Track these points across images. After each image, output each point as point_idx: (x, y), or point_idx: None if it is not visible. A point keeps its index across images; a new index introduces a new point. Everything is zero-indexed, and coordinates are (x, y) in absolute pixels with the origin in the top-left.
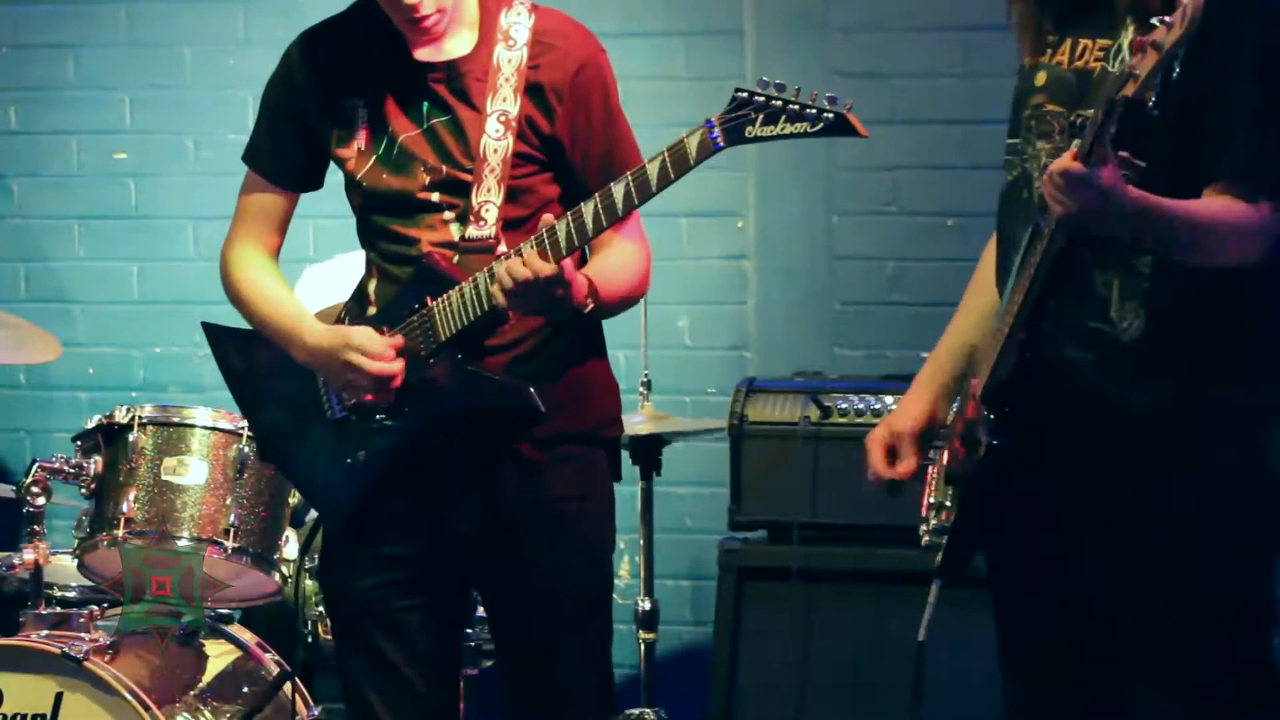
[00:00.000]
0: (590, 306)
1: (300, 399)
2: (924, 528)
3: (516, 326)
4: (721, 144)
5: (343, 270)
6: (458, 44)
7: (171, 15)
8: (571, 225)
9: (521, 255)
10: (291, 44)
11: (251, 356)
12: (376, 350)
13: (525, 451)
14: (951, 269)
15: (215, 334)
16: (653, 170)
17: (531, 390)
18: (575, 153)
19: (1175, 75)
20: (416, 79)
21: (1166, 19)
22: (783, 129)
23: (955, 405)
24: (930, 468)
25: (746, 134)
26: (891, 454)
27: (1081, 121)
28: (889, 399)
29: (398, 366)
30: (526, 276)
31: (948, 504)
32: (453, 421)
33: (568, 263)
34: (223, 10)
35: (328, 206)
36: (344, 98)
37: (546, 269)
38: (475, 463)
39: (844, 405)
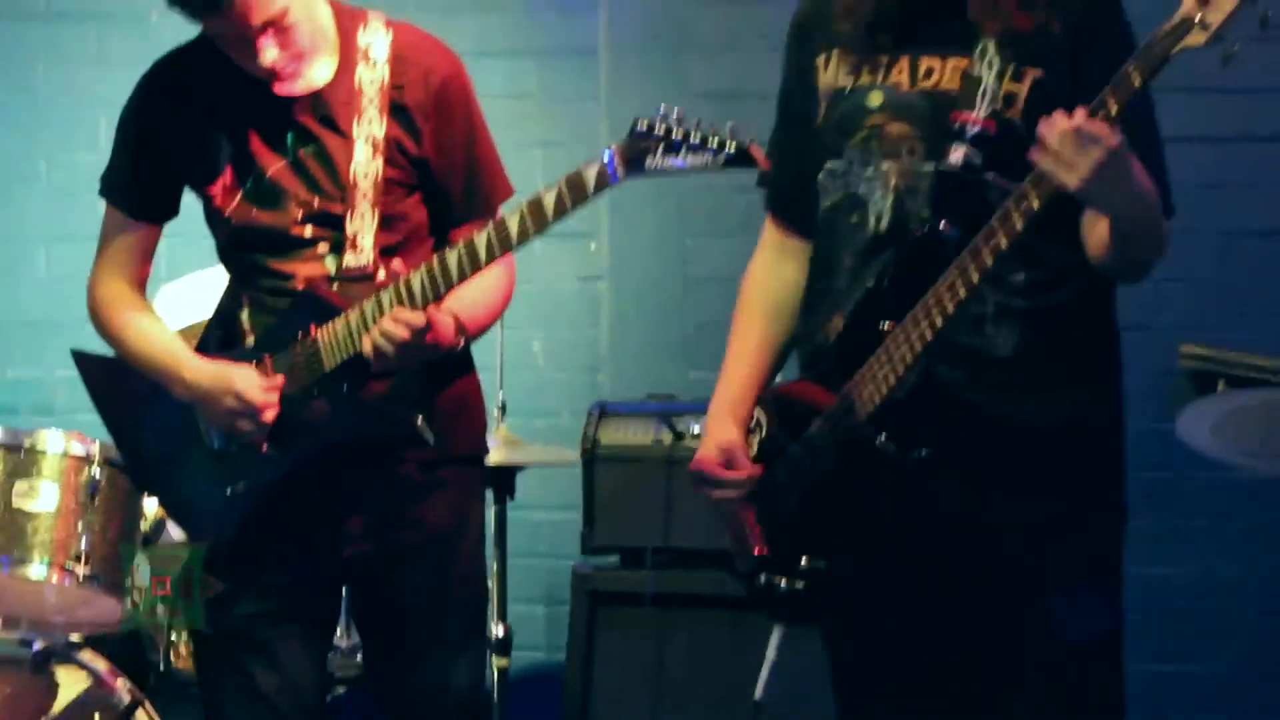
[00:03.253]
0: (460, 344)
1: (177, 428)
2: (760, 580)
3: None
4: (620, 175)
5: (197, 288)
6: (318, 71)
7: (24, 34)
8: (464, 255)
9: (402, 296)
10: (146, 73)
11: (124, 385)
12: (260, 399)
13: (407, 473)
14: None
15: (85, 362)
16: (548, 200)
17: (420, 420)
18: (441, 171)
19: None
20: (280, 111)
21: None
22: (684, 160)
23: (753, 447)
24: (741, 523)
25: (646, 165)
26: (728, 465)
27: (961, 124)
28: None
29: (276, 411)
30: (405, 337)
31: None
32: (334, 450)
33: (434, 311)
34: (75, 29)
35: (179, 224)
36: (205, 131)
37: (417, 319)
38: (356, 488)
39: (696, 428)
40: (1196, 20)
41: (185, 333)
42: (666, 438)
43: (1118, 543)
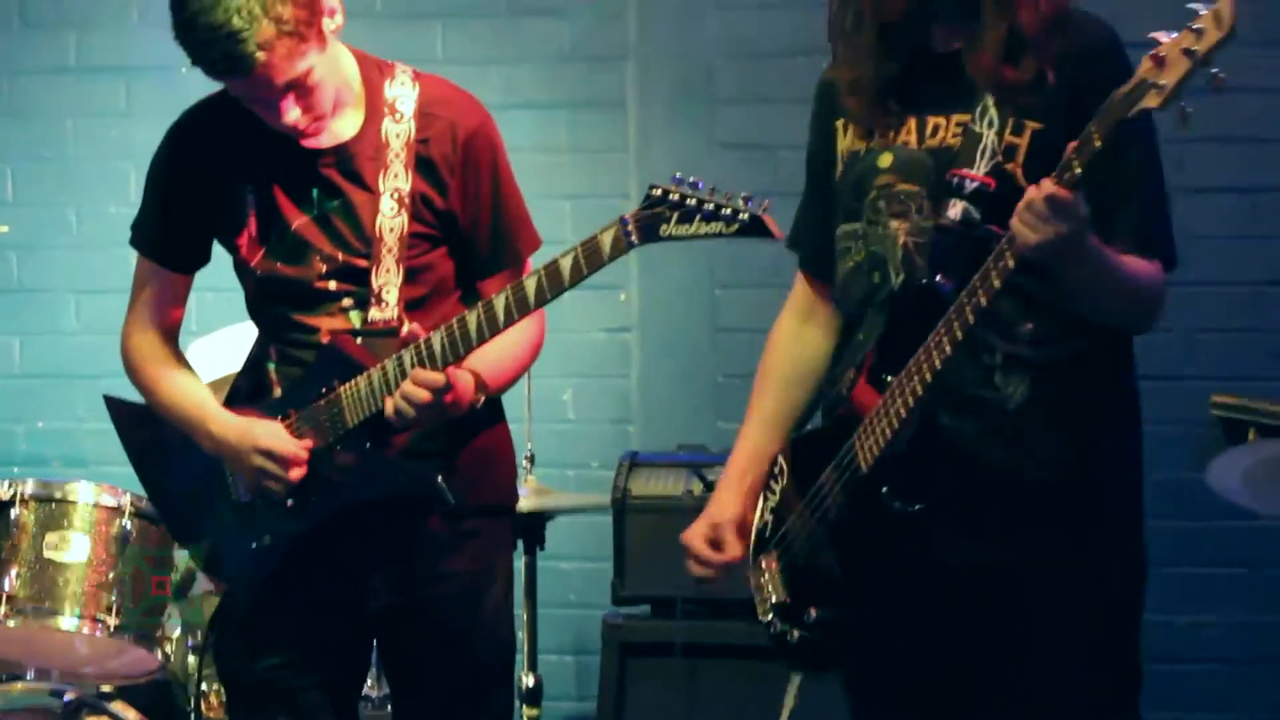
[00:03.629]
0: (480, 401)
1: (205, 479)
2: (787, 629)
3: None
4: (635, 242)
5: (228, 343)
6: (344, 125)
7: (54, 87)
8: (483, 318)
9: (423, 358)
10: (174, 124)
11: (155, 433)
12: (289, 453)
13: (432, 526)
14: None
15: (117, 408)
16: (565, 264)
17: (440, 479)
18: (467, 224)
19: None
20: (305, 165)
21: (1193, 25)
22: (697, 229)
23: (775, 493)
24: (762, 571)
25: (661, 233)
26: (714, 546)
27: (959, 181)
28: None
29: (303, 471)
30: (426, 399)
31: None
32: (361, 505)
33: (452, 372)
34: (105, 82)
35: (209, 280)
36: (231, 183)
37: (437, 380)
38: (383, 539)
39: None
40: (1152, 82)
41: (217, 384)
42: (697, 488)
43: (1131, 599)
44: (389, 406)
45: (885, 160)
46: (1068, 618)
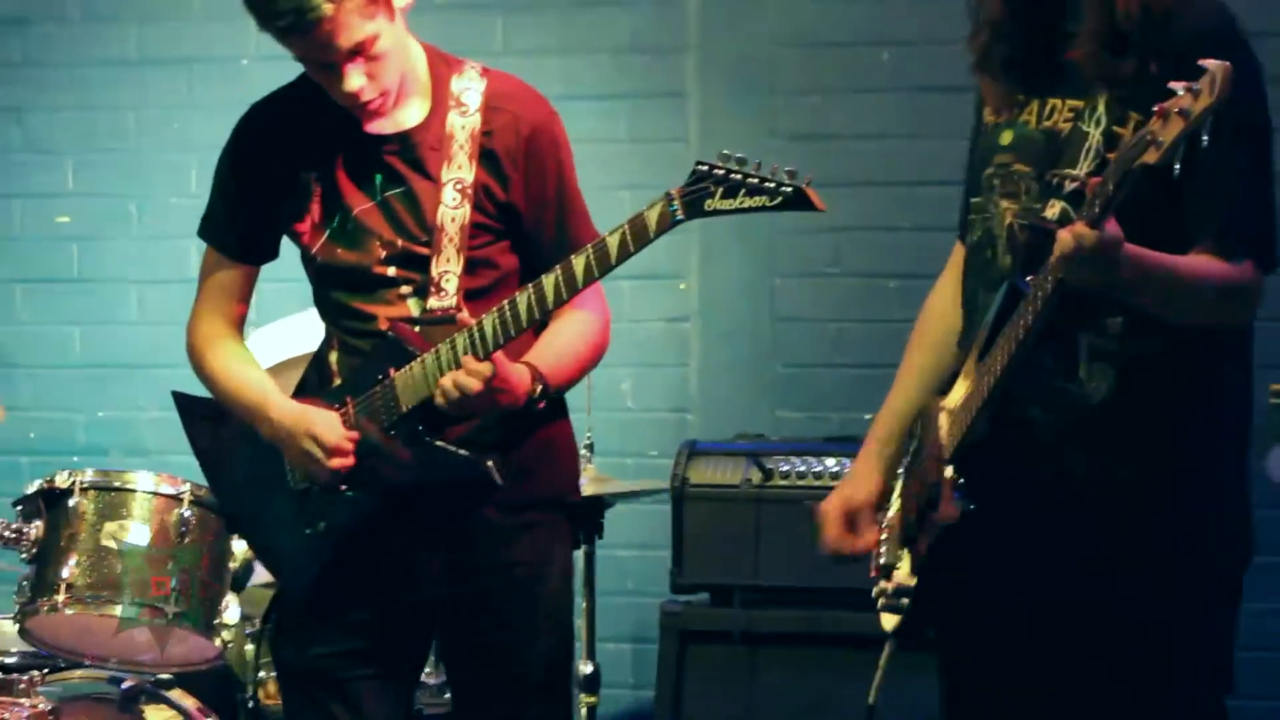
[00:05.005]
0: (538, 393)
1: (265, 469)
2: (877, 589)
3: None
4: (681, 217)
5: (288, 333)
6: (409, 113)
7: (116, 79)
8: (533, 298)
9: (465, 354)
10: (241, 118)
11: (218, 426)
12: (334, 444)
13: (490, 516)
14: (893, 330)
15: (184, 403)
16: (613, 243)
17: (491, 464)
18: (530, 219)
19: (1203, 144)
20: (369, 151)
21: (1193, 85)
22: (741, 203)
23: (905, 464)
24: (880, 529)
25: (705, 207)
26: (849, 525)
27: (1059, 181)
28: (830, 461)
29: (350, 461)
30: (476, 387)
31: (899, 565)
32: (413, 491)
33: (501, 361)
34: (167, 74)
35: (269, 270)
36: (296, 172)
37: (485, 370)
38: (439, 528)
39: (785, 468)
40: (1153, 138)
41: (275, 369)
42: (756, 476)
43: (1222, 600)
44: (438, 393)
45: (1006, 138)
46: (1142, 619)
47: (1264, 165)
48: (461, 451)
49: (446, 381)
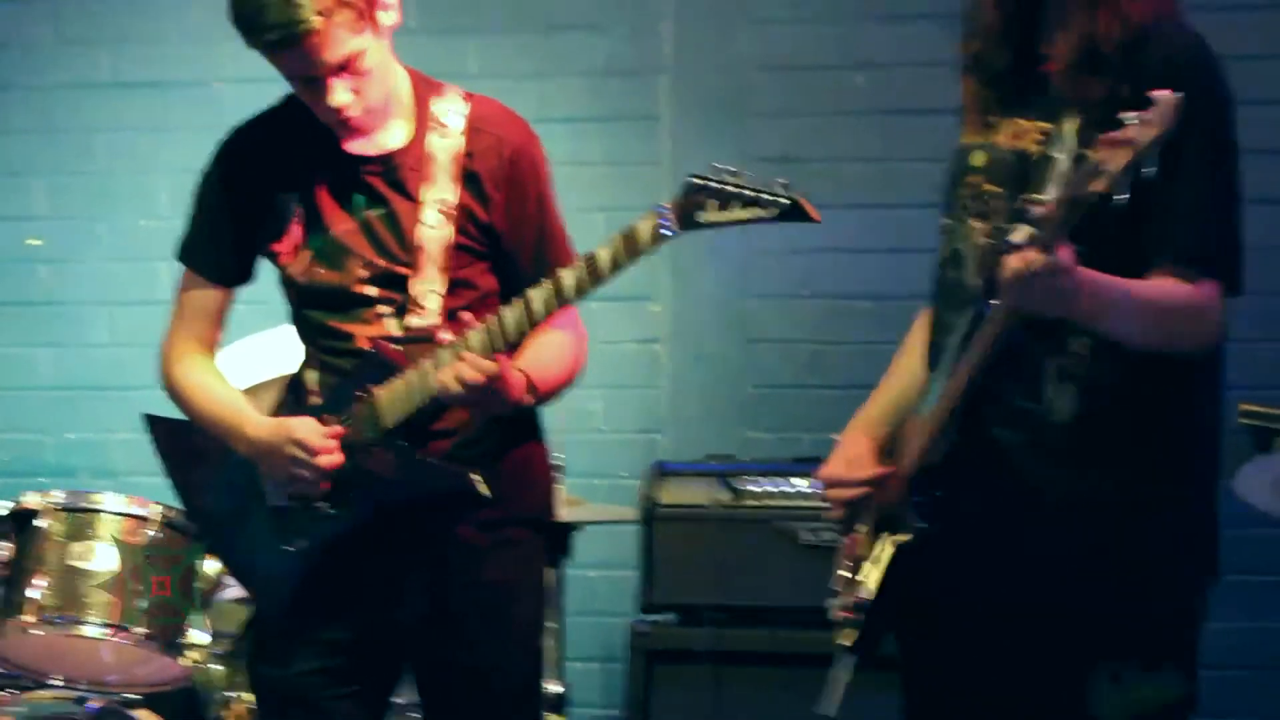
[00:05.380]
0: (530, 401)
1: (240, 488)
2: (835, 602)
3: (459, 413)
4: (675, 230)
5: (257, 351)
6: (391, 135)
7: (87, 101)
8: (522, 312)
9: (464, 355)
10: (223, 140)
11: (191, 447)
12: (319, 444)
13: (466, 536)
14: (865, 352)
15: (155, 425)
16: (604, 256)
17: (476, 477)
18: (510, 240)
19: (1143, 173)
20: (350, 172)
21: (1142, 115)
22: (736, 215)
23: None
24: (843, 544)
25: (699, 220)
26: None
27: (1027, 206)
28: (800, 482)
29: (339, 459)
30: (478, 380)
31: (861, 579)
32: (395, 507)
33: (505, 361)
34: (138, 97)
35: (241, 292)
36: (277, 193)
37: (490, 367)
38: (417, 547)
39: (755, 488)
40: (1100, 167)
41: (246, 392)
42: (725, 497)
43: (1186, 620)
44: (443, 376)
45: (979, 159)
46: (1104, 640)
47: (1229, 189)
48: (446, 464)
49: (448, 371)
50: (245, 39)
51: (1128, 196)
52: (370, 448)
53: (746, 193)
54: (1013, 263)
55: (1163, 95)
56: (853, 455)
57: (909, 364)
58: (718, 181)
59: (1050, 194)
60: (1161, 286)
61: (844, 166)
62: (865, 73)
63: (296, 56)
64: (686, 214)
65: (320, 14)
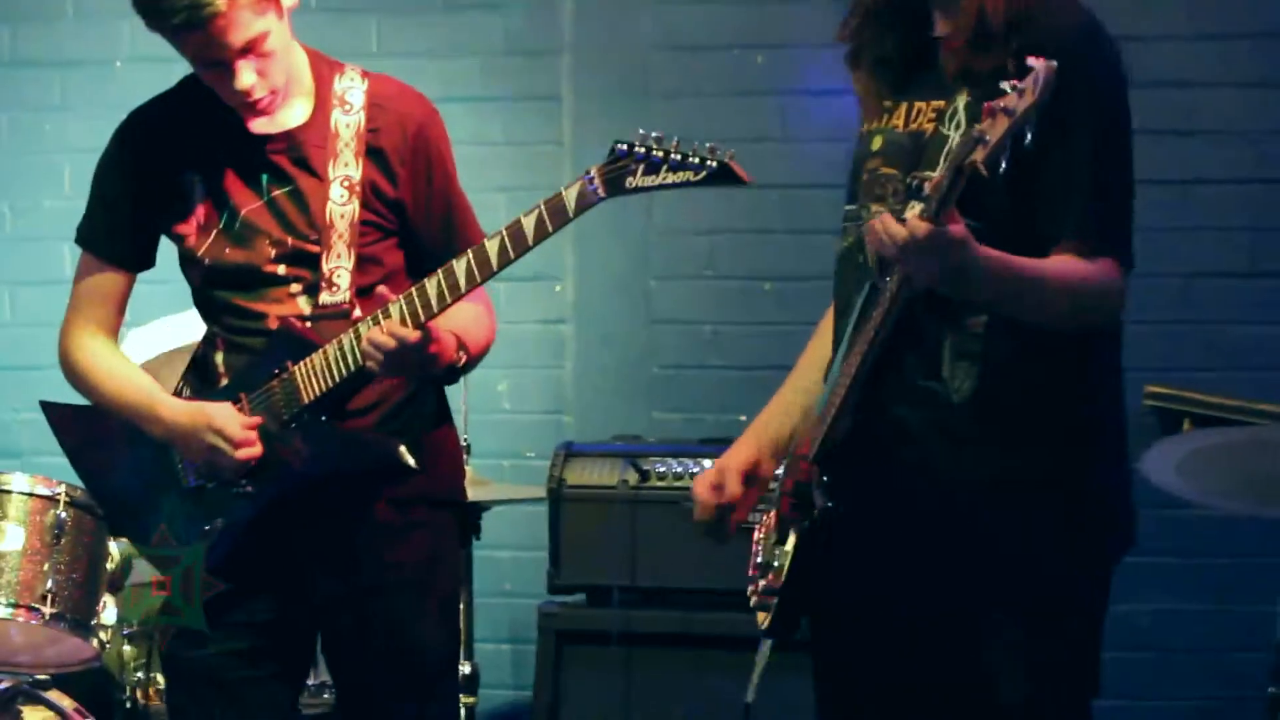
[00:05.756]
0: (463, 361)
1: (151, 470)
2: (752, 588)
3: (377, 388)
4: (602, 194)
5: (165, 334)
6: (293, 113)
7: None
8: (443, 283)
9: (381, 323)
10: (122, 122)
11: (95, 431)
12: (239, 435)
13: (380, 514)
14: (768, 333)
15: (54, 411)
16: (528, 223)
17: (402, 447)
18: (417, 215)
19: (1026, 142)
20: (254, 151)
21: (1018, 84)
22: (664, 178)
23: (783, 465)
24: (757, 528)
25: (627, 184)
26: (717, 491)
27: (918, 183)
28: (707, 462)
29: (258, 450)
30: (391, 346)
31: (775, 564)
32: (311, 485)
33: (434, 325)
34: (39, 77)
35: (145, 273)
36: (180, 174)
37: (411, 335)
38: (331, 527)
39: (662, 469)
40: (980, 136)
41: (150, 364)
42: (633, 478)
43: (1088, 600)
44: (365, 346)
45: (877, 143)
46: (1007, 619)
47: (1121, 165)
48: (372, 435)
49: (364, 340)
50: (147, 22)
51: (1007, 167)
52: (290, 425)
53: (675, 157)
54: (899, 232)
55: (1038, 64)
56: (722, 474)
57: (813, 352)
58: (645, 147)
59: (940, 170)
60: (1065, 263)
61: (745, 146)
62: (765, 52)
63: (201, 39)
64: (614, 179)
65: None
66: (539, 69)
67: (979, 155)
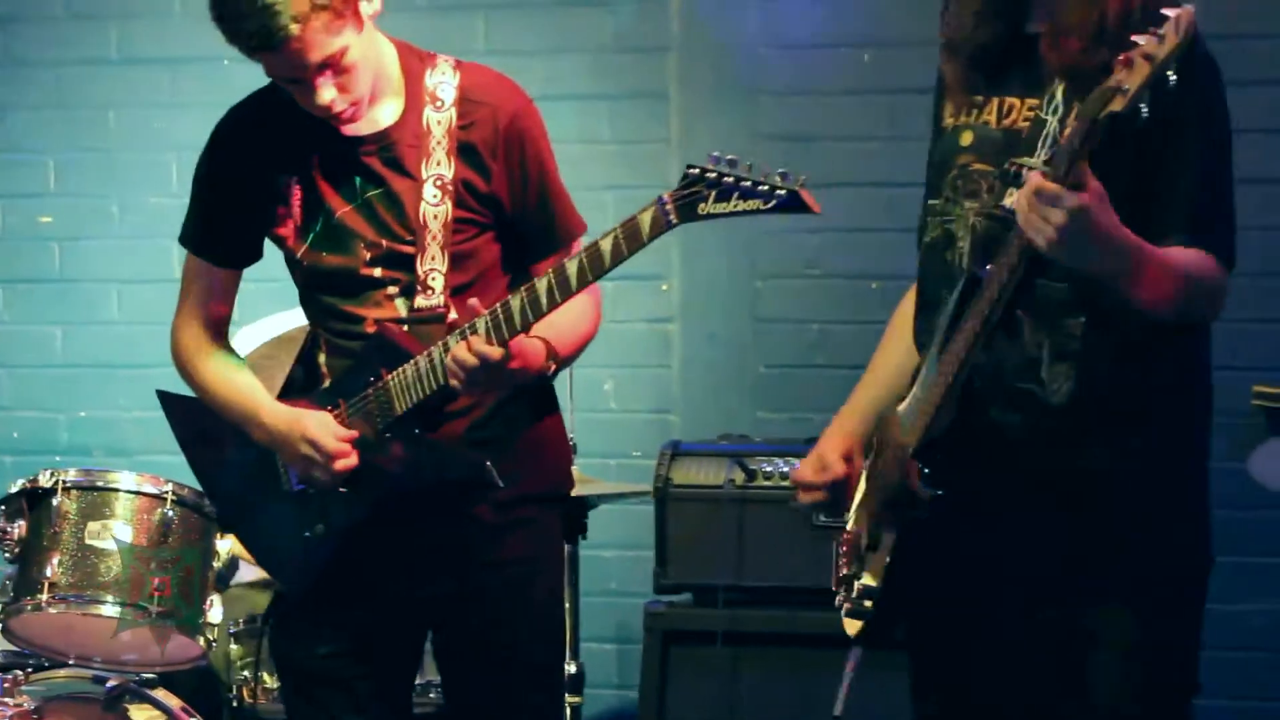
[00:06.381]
0: (552, 369)
1: (258, 470)
2: (840, 597)
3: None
4: (674, 221)
5: (274, 330)
6: (384, 112)
7: (98, 78)
8: (526, 301)
9: (468, 339)
10: (218, 124)
11: (207, 426)
12: (333, 447)
13: (483, 515)
14: (875, 331)
15: (170, 402)
16: (606, 246)
17: (489, 465)
18: (513, 207)
19: (1170, 87)
20: (346, 153)
21: (1157, 31)
22: (735, 206)
23: (865, 469)
24: (840, 536)
25: (699, 211)
26: (823, 472)
27: (1015, 169)
28: None
29: (353, 461)
30: (473, 364)
31: (868, 569)
32: (411, 491)
33: (517, 340)
34: (149, 74)
35: (253, 270)
36: (275, 176)
37: (494, 353)
38: (434, 528)
39: (768, 468)
40: (1118, 86)
41: (258, 352)
42: (739, 477)
43: (1190, 598)
44: (449, 364)
45: (967, 138)
46: (1110, 616)
47: (1224, 164)
48: (460, 451)
49: (449, 358)
50: (226, 40)
51: (1148, 112)
52: (383, 434)
53: (746, 184)
54: (1024, 192)
55: (1176, 11)
56: (822, 458)
57: (892, 351)
58: (717, 173)
59: (1040, 156)
60: (1179, 251)
61: (852, 145)
62: (872, 50)
63: (277, 60)
64: (686, 205)
65: (296, 20)
66: (647, 66)
67: (1118, 105)
